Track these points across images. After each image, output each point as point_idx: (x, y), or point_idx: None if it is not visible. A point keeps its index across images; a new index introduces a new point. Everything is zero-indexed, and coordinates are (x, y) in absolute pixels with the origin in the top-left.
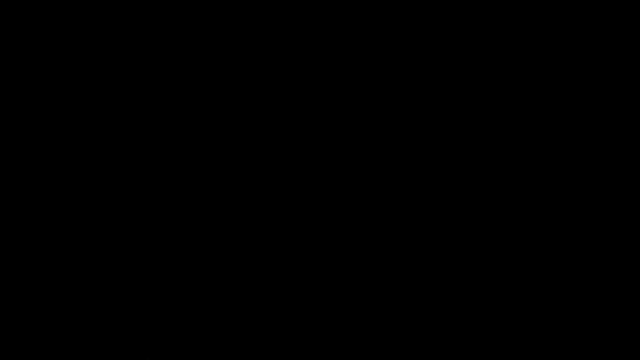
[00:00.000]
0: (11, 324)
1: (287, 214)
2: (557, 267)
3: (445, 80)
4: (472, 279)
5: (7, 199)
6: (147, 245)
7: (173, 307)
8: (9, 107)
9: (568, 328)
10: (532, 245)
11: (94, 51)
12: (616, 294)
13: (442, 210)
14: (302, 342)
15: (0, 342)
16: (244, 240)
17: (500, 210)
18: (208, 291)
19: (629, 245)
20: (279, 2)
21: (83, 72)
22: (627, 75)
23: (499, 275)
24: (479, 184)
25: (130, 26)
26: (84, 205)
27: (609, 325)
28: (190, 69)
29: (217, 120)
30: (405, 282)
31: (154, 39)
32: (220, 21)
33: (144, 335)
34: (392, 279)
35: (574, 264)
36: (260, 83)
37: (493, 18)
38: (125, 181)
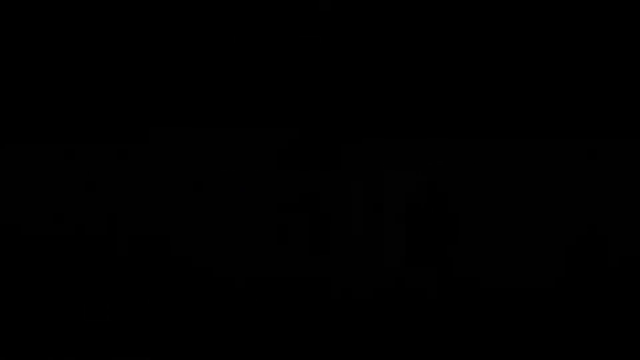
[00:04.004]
0: (11, 324)
1: (286, 214)
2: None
3: (445, 79)
4: (473, 279)
5: (7, 198)
6: (147, 246)
7: (173, 307)
8: (8, 106)
9: (568, 328)
10: (533, 245)
11: (93, 51)
12: (617, 294)
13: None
14: (302, 342)
15: (0, 342)
16: (244, 240)
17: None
18: (208, 292)
19: (630, 245)
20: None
21: (83, 71)
22: (627, 75)
23: (500, 275)
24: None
25: (129, 25)
26: (84, 205)
27: (609, 326)
28: (189, 67)
29: (217, 118)
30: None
31: (154, 38)
32: (220, 19)
33: (144, 335)
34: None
35: (575, 264)
36: (259, 81)
37: (494, 17)
38: (125, 181)
